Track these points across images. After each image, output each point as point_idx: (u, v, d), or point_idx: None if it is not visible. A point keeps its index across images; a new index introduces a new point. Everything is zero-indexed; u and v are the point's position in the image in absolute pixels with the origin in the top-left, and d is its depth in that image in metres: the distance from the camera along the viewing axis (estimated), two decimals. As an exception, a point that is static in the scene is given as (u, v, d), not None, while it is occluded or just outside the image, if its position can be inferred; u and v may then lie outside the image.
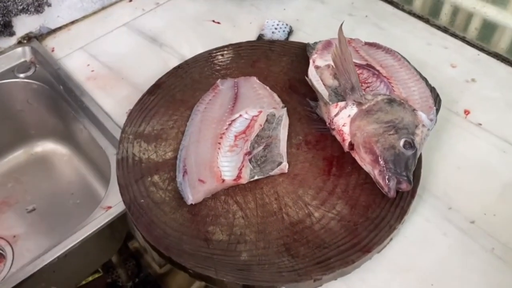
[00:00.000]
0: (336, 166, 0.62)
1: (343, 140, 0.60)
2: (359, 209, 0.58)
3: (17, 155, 0.95)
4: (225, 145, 0.62)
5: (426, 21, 0.90)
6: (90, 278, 1.28)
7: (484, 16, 0.81)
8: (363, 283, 0.55)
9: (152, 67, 0.82)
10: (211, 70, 0.76)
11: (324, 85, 0.67)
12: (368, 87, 0.66)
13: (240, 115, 0.66)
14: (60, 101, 0.83)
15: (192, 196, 0.58)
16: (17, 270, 0.62)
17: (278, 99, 0.69)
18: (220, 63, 0.77)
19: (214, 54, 0.78)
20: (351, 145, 0.59)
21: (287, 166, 0.61)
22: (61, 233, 0.67)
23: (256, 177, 0.60)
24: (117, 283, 1.32)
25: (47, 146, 0.96)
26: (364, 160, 0.58)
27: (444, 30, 0.87)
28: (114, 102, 0.78)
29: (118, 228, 0.70)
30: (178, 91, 0.73)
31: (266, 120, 0.65)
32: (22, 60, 0.89)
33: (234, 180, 0.59)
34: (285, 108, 0.67)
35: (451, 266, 0.56)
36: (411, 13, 0.92)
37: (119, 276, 1.32)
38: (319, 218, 0.57)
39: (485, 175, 0.65)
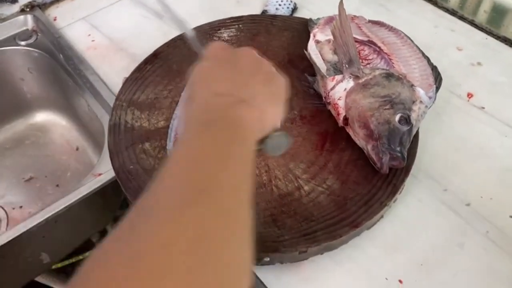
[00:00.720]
0: (329, 141, 0.60)
1: (338, 114, 0.59)
2: (350, 184, 0.56)
3: (16, 124, 0.96)
4: None
5: (435, 3, 0.87)
6: (87, 254, 1.29)
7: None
8: (351, 259, 0.54)
9: (153, 39, 0.81)
10: (210, 42, 0.75)
11: (323, 60, 0.65)
12: (368, 63, 0.64)
13: None
14: (60, 70, 0.83)
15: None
16: (4, 233, 0.61)
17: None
18: (219, 36, 0.76)
19: (214, 27, 0.77)
20: (346, 120, 0.58)
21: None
22: (56, 202, 0.67)
23: None
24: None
25: (46, 116, 0.96)
26: (357, 134, 0.56)
27: (452, 13, 0.85)
28: (112, 72, 0.78)
29: (109, 197, 0.70)
30: (175, 61, 0.72)
31: None
32: (24, 28, 0.89)
33: None
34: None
35: (443, 248, 0.55)
36: (419, -5, 0.90)
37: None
38: (308, 191, 0.56)
39: (484, 159, 0.63)
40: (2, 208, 0.86)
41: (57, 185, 0.89)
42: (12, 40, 0.87)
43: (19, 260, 0.65)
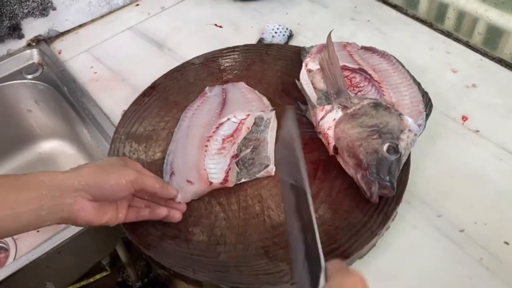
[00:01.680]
0: (321, 170, 0.61)
1: (328, 143, 0.60)
2: (341, 213, 0.57)
3: (25, 154, 0.99)
4: (212, 148, 0.63)
5: (430, 25, 0.88)
6: (98, 276, 1.31)
7: (488, 21, 0.79)
8: (342, 289, 0.54)
9: (153, 70, 0.84)
10: (206, 73, 0.77)
11: (315, 88, 0.66)
12: (360, 91, 0.65)
13: (228, 119, 0.66)
14: (64, 102, 0.85)
15: (180, 195, 0.58)
16: (8, 264, 0.63)
17: (267, 102, 0.69)
18: (215, 66, 0.78)
19: (211, 57, 0.79)
20: (335, 149, 0.59)
21: (274, 169, 0.61)
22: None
23: (243, 180, 0.60)
24: (127, 282, 1.34)
25: (53, 146, 0.99)
26: (347, 164, 0.57)
27: (448, 34, 0.86)
28: (113, 103, 0.80)
29: (111, 227, 0.72)
30: (172, 93, 0.74)
31: (254, 123, 0.65)
32: (30, 62, 0.92)
33: (221, 183, 0.59)
34: (274, 111, 0.67)
35: (438, 275, 0.55)
36: (414, 17, 0.90)
37: (129, 276, 1.34)
38: (300, 221, 0.56)
39: (479, 183, 0.63)
40: (12, 238, 0.89)
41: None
42: (19, 74, 0.90)
43: (24, 291, 0.67)
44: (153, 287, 1.32)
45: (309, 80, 0.67)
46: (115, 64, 0.88)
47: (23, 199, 0.44)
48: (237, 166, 0.61)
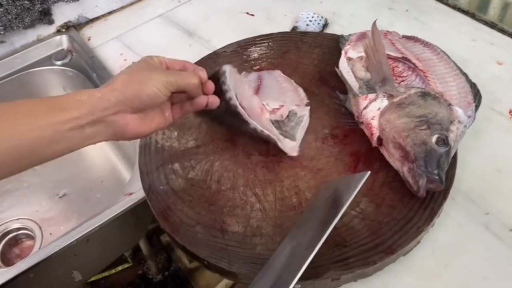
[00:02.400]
0: (363, 162, 0.58)
1: (371, 134, 0.57)
2: (384, 208, 0.54)
3: (52, 142, 0.98)
4: None
5: (472, 16, 0.84)
6: (120, 268, 1.30)
7: (537, 11, 0.75)
8: (385, 287, 0.51)
9: (183, 58, 0.81)
10: (239, 61, 0.75)
11: (355, 77, 0.63)
12: (402, 81, 0.62)
13: None
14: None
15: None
16: (37, 251, 0.62)
17: (303, 95, 0.66)
18: (249, 54, 0.76)
19: (244, 45, 0.77)
20: (380, 140, 0.56)
21: (297, 149, 0.60)
22: (89, 219, 0.67)
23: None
24: (147, 275, 1.34)
25: (80, 134, 0.98)
26: (392, 156, 0.54)
27: (492, 25, 0.82)
28: (143, 91, 0.78)
29: (140, 216, 0.70)
30: (205, 80, 0.72)
31: (287, 116, 0.62)
32: (60, 48, 0.91)
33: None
34: (309, 108, 0.64)
35: (483, 275, 0.52)
36: (455, 7, 0.87)
37: (149, 268, 1.33)
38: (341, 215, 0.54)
39: (529, 180, 0.60)
40: (37, 224, 0.88)
41: (90, 202, 0.90)
42: (48, 60, 0.89)
43: (51, 278, 0.65)
44: (173, 281, 1.31)
45: (349, 68, 0.64)
46: (145, 51, 0.86)
47: (65, 119, 0.42)
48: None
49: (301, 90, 0.67)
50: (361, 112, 0.58)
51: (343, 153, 0.60)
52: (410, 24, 0.84)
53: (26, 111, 0.42)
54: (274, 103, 0.64)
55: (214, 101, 0.53)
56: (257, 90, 0.67)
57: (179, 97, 0.53)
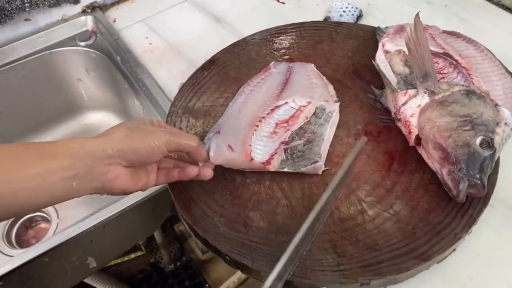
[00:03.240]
0: (398, 162, 0.55)
1: (409, 132, 0.53)
2: (420, 211, 0.51)
3: (70, 124, 0.96)
4: (263, 130, 0.57)
5: (517, 13, 0.80)
6: (133, 255, 1.29)
7: None
8: (416, 295, 0.48)
9: (210, 44, 0.79)
10: (269, 49, 0.71)
11: (393, 71, 0.60)
12: (443, 78, 0.58)
13: (286, 103, 0.60)
14: (116, 72, 0.82)
15: (213, 152, 0.53)
16: (52, 235, 0.61)
17: (332, 92, 0.62)
18: (280, 43, 0.72)
19: (275, 33, 0.74)
20: (418, 139, 0.53)
21: (322, 168, 0.54)
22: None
23: (286, 169, 0.54)
24: (159, 264, 1.32)
25: (101, 117, 0.97)
26: (431, 157, 0.51)
27: (538, 24, 0.77)
28: (169, 76, 0.76)
29: (159, 205, 0.68)
30: (233, 68, 0.69)
31: (314, 113, 0.59)
32: (84, 29, 0.89)
33: (263, 163, 0.54)
34: (338, 104, 0.60)
35: (524, 290, 0.48)
36: (499, 4, 0.82)
37: (162, 257, 1.32)
38: (373, 216, 0.51)
39: None
40: (53, 206, 0.87)
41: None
42: (72, 40, 0.87)
43: (65, 264, 0.64)
44: (185, 271, 1.30)
45: (386, 62, 0.61)
46: (171, 36, 0.84)
47: (54, 168, 0.40)
48: (284, 153, 0.55)
49: (331, 88, 0.63)
50: (399, 108, 0.55)
51: (376, 151, 0.56)
52: (449, 20, 0.80)
53: (12, 157, 0.39)
54: (300, 100, 0.60)
55: (206, 173, 0.52)
56: (284, 84, 0.64)
57: (167, 162, 0.52)
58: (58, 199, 0.42)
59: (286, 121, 0.58)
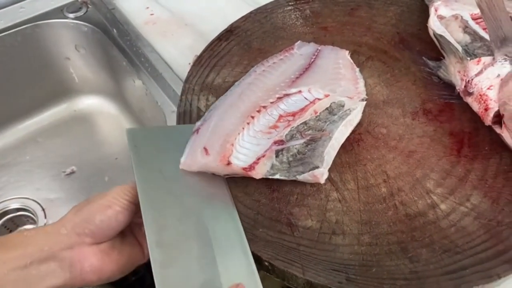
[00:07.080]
0: (468, 145, 0.46)
1: (486, 109, 0.44)
2: (503, 204, 0.42)
3: (58, 111, 0.85)
4: (260, 123, 0.46)
5: None
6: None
7: None
8: (506, 308, 0.39)
9: (222, 14, 0.69)
10: (297, 17, 0.61)
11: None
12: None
13: (300, 91, 0.49)
14: (112, 48, 0.71)
15: (185, 159, 0.44)
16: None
17: (362, 88, 0.51)
18: (308, 9, 0.62)
19: (300, -1, 0.64)
20: (497, 117, 0.43)
21: (325, 175, 0.43)
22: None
23: (277, 176, 0.43)
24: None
25: (93, 103, 0.85)
26: (516, 138, 0.42)
27: None
28: (176, 51, 0.66)
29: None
30: (256, 38, 0.59)
31: (327, 109, 0.47)
32: (73, -1, 0.78)
33: (244, 169, 0.42)
34: (364, 102, 0.49)
35: None
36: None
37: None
38: (447, 212, 0.41)
39: None
40: (39, 204, 0.75)
41: (101, 183, 0.77)
42: (59, 12, 0.77)
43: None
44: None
45: (443, 28, 0.52)
46: (176, 5, 0.74)
47: (7, 257, 0.36)
48: (276, 156, 0.44)
49: (362, 83, 0.52)
50: (472, 80, 0.45)
51: (440, 133, 0.47)
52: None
53: None
54: (318, 91, 0.49)
55: None
56: (305, 69, 0.53)
57: None
58: None
59: (293, 114, 0.47)
